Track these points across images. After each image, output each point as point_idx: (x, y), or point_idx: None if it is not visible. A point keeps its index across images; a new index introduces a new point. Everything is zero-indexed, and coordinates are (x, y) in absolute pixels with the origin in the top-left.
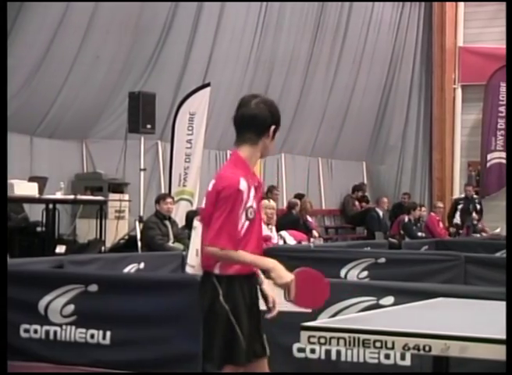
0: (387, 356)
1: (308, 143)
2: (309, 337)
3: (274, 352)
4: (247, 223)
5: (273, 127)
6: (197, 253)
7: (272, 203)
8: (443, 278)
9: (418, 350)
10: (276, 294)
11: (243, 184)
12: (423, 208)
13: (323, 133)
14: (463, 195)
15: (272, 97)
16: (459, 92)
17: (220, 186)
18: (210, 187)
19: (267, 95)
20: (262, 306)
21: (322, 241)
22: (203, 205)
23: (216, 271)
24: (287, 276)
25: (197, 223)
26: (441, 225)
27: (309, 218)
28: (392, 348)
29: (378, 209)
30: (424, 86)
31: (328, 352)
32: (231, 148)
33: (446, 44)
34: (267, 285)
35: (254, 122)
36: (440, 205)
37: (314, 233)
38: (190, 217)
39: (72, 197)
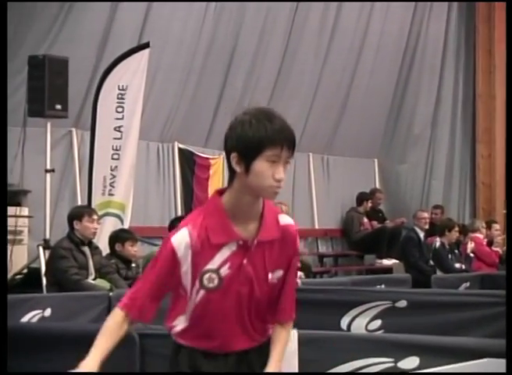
0: None
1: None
2: None
3: None
4: (203, 292)
5: (235, 156)
6: None
7: None
8: (492, 330)
9: None
10: None
11: (181, 237)
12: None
13: (315, 118)
14: None
15: (242, 61)
16: None
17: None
18: None
19: (233, 61)
20: None
21: (302, 276)
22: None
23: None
24: None
25: None
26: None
27: None
28: None
29: (417, 229)
30: (464, 47)
31: None
32: (179, 138)
33: None
34: None
35: (225, 150)
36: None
37: None
38: (113, 241)
39: None
